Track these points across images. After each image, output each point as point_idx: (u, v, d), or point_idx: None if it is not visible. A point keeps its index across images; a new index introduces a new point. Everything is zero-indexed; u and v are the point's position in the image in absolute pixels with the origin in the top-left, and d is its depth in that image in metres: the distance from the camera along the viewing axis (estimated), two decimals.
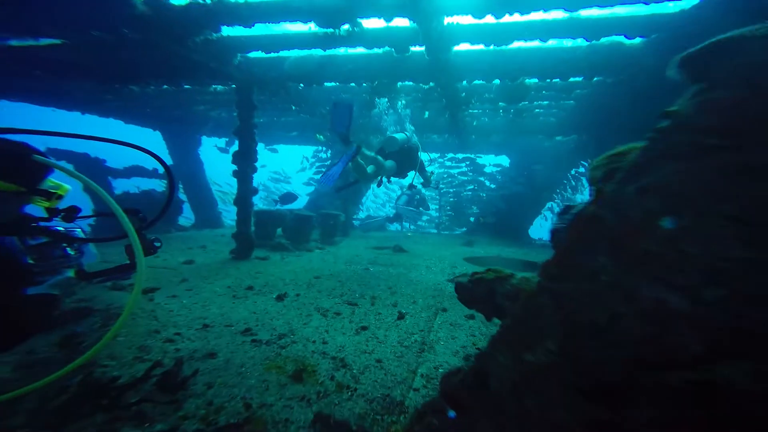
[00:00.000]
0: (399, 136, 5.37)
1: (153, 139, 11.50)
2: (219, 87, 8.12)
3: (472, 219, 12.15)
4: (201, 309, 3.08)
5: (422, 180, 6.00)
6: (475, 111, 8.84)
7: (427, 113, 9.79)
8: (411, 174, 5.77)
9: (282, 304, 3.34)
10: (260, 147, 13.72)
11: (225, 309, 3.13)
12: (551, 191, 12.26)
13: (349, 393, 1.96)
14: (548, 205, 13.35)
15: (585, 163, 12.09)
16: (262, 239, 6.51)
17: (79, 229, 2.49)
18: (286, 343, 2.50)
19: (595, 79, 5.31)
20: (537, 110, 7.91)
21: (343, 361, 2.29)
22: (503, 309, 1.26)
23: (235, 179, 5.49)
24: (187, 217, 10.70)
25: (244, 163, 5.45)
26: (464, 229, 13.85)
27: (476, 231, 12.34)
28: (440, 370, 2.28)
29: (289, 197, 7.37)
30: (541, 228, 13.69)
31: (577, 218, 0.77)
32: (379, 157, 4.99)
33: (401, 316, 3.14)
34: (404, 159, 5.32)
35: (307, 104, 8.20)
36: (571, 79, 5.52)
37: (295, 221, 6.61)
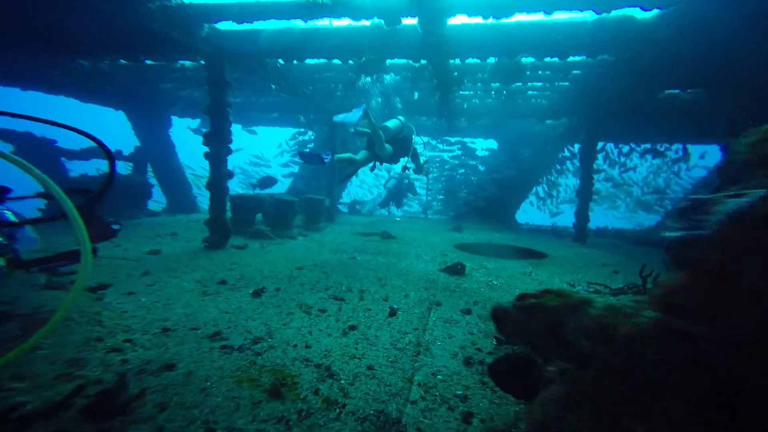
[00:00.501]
0: (392, 123, 5.23)
1: (116, 119, 10.52)
2: (187, 63, 7.35)
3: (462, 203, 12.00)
4: (162, 309, 2.68)
5: (414, 166, 5.91)
6: (467, 92, 8.46)
7: (416, 94, 9.33)
8: (403, 160, 5.70)
9: (259, 300, 2.98)
10: (237, 128, 12.92)
11: (192, 308, 2.75)
12: (538, 175, 12.22)
13: (337, 410, 1.66)
14: (534, 189, 13.38)
15: (572, 147, 12.06)
16: (239, 226, 6.04)
17: (9, 212, 2.03)
18: (263, 348, 2.17)
19: (598, 57, 5.03)
20: (530, 92, 7.62)
21: (329, 369, 1.98)
22: (581, 353, 0.91)
23: (208, 162, 4.95)
24: (159, 201, 9.97)
25: (217, 145, 4.91)
26: (452, 213, 13.74)
27: (464, 216, 12.22)
28: (439, 377, 2.02)
29: (268, 181, 6.87)
30: (525, 213, 13.72)
31: (741, 221, 0.46)
32: (387, 145, 5.02)
33: (393, 313, 2.85)
34: (398, 146, 5.25)
35: (288, 83, 7.57)
36: (571, 59, 5.23)
37: (275, 207, 6.15)
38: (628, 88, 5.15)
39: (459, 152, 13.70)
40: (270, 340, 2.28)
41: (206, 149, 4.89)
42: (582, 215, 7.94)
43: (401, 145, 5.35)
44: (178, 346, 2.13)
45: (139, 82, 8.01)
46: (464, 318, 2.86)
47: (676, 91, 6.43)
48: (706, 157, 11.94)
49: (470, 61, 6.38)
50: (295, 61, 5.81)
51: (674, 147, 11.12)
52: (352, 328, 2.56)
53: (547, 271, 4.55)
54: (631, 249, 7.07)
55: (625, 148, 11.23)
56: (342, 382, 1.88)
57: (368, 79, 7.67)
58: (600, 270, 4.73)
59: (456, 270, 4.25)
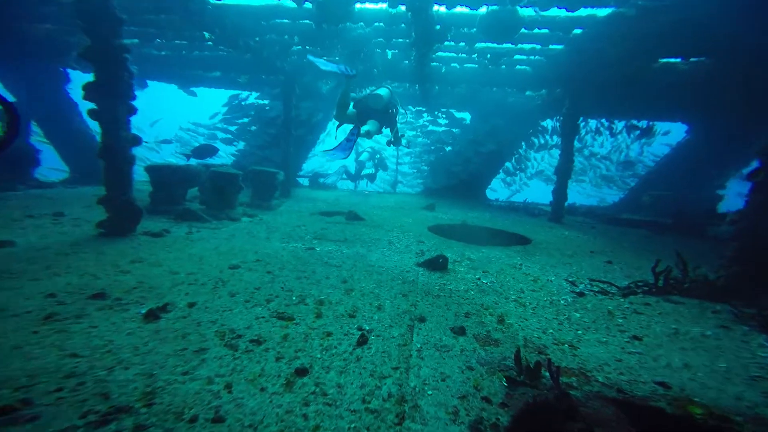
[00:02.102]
0: (383, 92, 4.79)
1: None
2: None
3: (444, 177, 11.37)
4: None
5: (392, 138, 5.57)
6: (446, 54, 7.43)
7: (390, 53, 8.12)
8: (385, 132, 5.29)
9: (154, 327, 2.01)
10: (173, 88, 10.74)
11: (15, 348, 1.72)
12: (513, 149, 11.86)
13: None
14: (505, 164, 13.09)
15: (545, 122, 11.72)
16: (164, 204, 4.79)
17: None
18: None
19: (620, 9, 4.26)
20: (517, 56, 6.80)
21: None
22: None
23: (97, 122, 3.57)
24: (62, 169, 8.03)
25: (110, 101, 3.54)
26: (419, 188, 13.16)
27: (434, 191, 11.66)
28: None
29: (205, 150, 5.52)
30: (490, 190, 13.46)
31: None
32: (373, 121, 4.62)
33: (363, 339, 2.07)
34: (384, 118, 4.87)
35: (225, 31, 5.97)
36: (579, 12, 4.45)
37: (213, 180, 4.93)
38: (628, 52, 4.54)
39: (444, 124, 12.77)
40: (146, 410, 1.38)
41: (93, 105, 3.50)
42: (560, 193, 7.63)
43: (387, 117, 4.95)
44: None
45: None
46: (457, 341, 2.16)
47: (676, 60, 6.00)
48: (669, 134, 12.24)
49: (456, 12, 5.36)
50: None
51: (641, 123, 11.17)
52: (302, 372, 1.74)
53: (538, 263, 4.03)
54: (606, 229, 6.93)
55: (619, 125, 11.06)
56: None
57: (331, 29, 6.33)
58: (591, 260, 4.32)
59: (437, 264, 3.54)
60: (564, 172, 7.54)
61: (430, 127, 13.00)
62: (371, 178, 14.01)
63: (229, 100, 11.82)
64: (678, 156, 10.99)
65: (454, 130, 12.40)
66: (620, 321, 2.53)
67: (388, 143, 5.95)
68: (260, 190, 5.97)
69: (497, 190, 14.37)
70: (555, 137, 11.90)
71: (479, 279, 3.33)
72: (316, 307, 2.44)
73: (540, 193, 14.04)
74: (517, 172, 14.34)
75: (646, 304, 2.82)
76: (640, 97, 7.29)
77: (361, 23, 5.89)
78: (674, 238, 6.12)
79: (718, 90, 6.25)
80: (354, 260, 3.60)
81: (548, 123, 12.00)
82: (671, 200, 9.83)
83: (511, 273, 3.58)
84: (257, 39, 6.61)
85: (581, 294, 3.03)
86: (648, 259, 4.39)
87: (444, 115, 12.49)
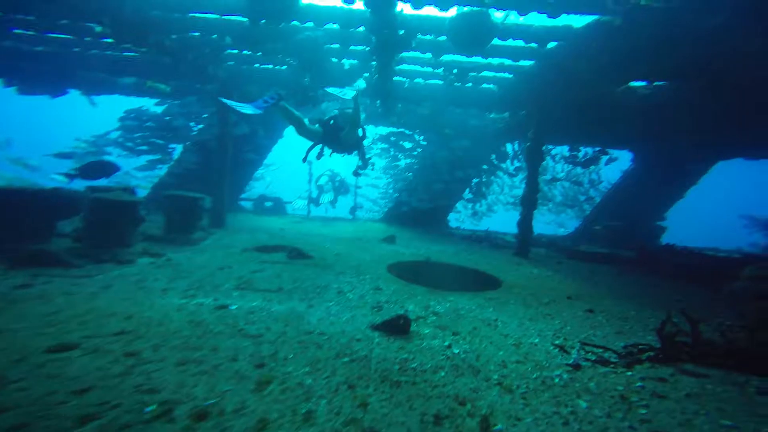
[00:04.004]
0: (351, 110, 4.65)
1: None
2: None
3: (405, 208, 10.87)
4: None
5: (360, 162, 5.39)
6: (411, 67, 7.12)
7: (348, 62, 7.64)
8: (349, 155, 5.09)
9: None
10: (75, 94, 9.13)
11: None
12: (474, 173, 11.87)
13: None
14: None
15: (510, 146, 11.95)
16: (10, 242, 3.51)
17: None
18: None
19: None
20: (485, 72, 6.66)
21: None
22: None
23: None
24: None
25: None
26: (379, 215, 12.65)
27: (395, 218, 11.17)
28: None
29: (97, 168, 4.30)
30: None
31: None
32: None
33: None
34: (352, 136, 4.73)
35: (124, 23, 4.99)
36: (557, 21, 4.27)
37: (97, 210, 3.77)
38: (600, 71, 4.47)
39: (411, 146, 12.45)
40: None
41: None
42: (525, 225, 7.44)
43: (355, 135, 4.76)
44: None
45: None
46: None
47: (640, 84, 6.19)
48: (615, 162, 13.04)
49: (422, 15, 5.01)
50: None
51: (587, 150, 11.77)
52: None
53: (515, 316, 3.48)
54: (573, 265, 6.78)
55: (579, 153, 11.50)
56: None
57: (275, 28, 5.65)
58: (571, 309, 3.88)
59: (397, 326, 2.81)
60: (529, 202, 7.40)
61: (392, 152, 12.68)
62: (333, 202, 13.38)
63: (126, 113, 10.07)
64: (625, 185, 11.75)
65: (414, 153, 12.20)
66: (642, 412, 1.96)
67: (355, 172, 5.72)
68: (177, 220, 4.88)
69: (460, 210, 14.25)
70: (516, 162, 12.16)
71: (450, 347, 2.64)
72: (190, 425, 1.54)
73: (502, 220, 14.21)
74: (476, 199, 14.41)
75: (661, 379, 2.31)
76: (599, 122, 7.53)
77: (310, 23, 5.29)
78: (644, 277, 6.07)
79: (671, 117, 6.59)
80: (285, 324, 2.73)
81: (509, 148, 12.27)
82: (621, 231, 10.32)
83: (486, 334, 2.95)
84: (173, 37, 5.69)
85: (577, 366, 2.47)
86: (631, 306, 4.08)
87: (408, 139, 12.25)
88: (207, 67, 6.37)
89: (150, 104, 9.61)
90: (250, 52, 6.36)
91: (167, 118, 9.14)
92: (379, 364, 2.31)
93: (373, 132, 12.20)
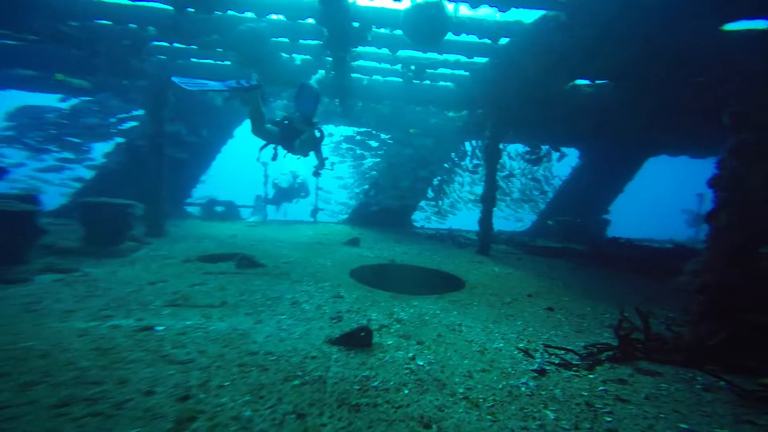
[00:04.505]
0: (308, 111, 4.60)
1: None
2: None
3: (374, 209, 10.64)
4: None
5: (317, 162, 5.32)
6: (369, 63, 6.90)
7: (299, 58, 7.23)
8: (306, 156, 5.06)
9: None
10: None
11: None
12: (437, 171, 11.96)
13: None
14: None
15: (469, 144, 12.19)
16: None
17: None
18: None
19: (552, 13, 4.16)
20: (442, 69, 6.61)
21: None
22: None
23: None
24: None
25: None
26: (343, 216, 12.30)
27: (359, 219, 10.91)
28: None
29: None
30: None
31: None
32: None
33: None
34: (311, 137, 4.71)
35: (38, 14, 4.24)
36: (508, 14, 4.25)
37: None
38: (550, 68, 4.56)
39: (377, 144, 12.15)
40: None
41: None
42: (486, 223, 7.56)
43: (313, 135, 4.68)
44: None
45: None
46: None
47: (585, 82, 6.47)
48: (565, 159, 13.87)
49: (377, 7, 4.80)
50: None
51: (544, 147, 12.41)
52: None
53: (479, 319, 3.40)
54: (531, 261, 6.99)
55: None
56: None
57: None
58: (532, 308, 3.90)
59: (358, 339, 2.58)
60: (489, 200, 7.52)
61: (359, 151, 12.35)
62: (285, 198, 12.65)
63: (16, 111, 8.61)
64: (574, 181, 12.53)
65: (380, 152, 12.02)
66: (608, 420, 1.90)
67: (315, 173, 5.68)
68: (98, 231, 4.20)
69: (427, 210, 14.28)
70: (474, 160, 12.43)
71: (414, 359, 2.45)
72: None
73: (464, 217, 14.48)
74: (442, 197, 14.59)
75: (622, 381, 2.30)
76: (552, 120, 7.85)
77: (250, 13, 4.84)
78: (596, 270, 6.38)
79: (611, 115, 7.03)
80: (224, 345, 2.37)
81: (467, 146, 12.52)
82: (572, 225, 10.99)
83: (451, 341, 2.81)
84: (74, 23, 4.93)
85: (542, 372, 2.40)
86: (587, 303, 4.19)
87: (375, 138, 12.00)
88: (129, 60, 5.62)
89: (52, 100, 8.26)
90: (182, 45, 5.71)
91: (72, 115, 7.96)
92: (336, 385, 2.05)
93: (333, 131, 11.81)
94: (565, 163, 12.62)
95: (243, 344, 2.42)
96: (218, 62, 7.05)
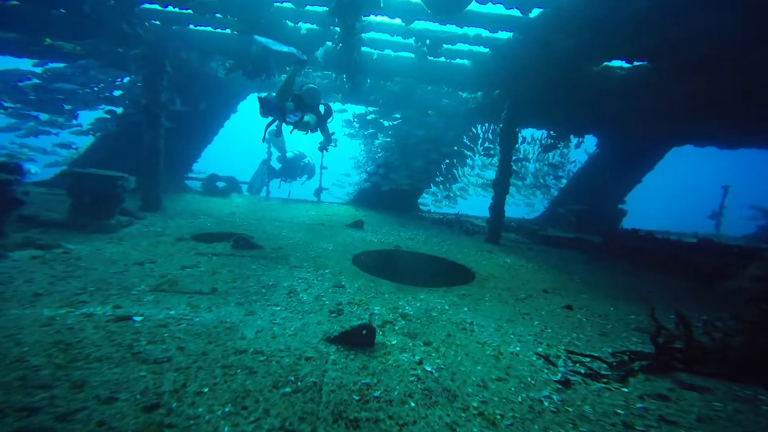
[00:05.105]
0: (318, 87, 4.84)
1: None
2: None
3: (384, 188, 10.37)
4: None
5: (324, 139, 5.52)
6: (379, 36, 6.36)
7: (304, 26, 6.70)
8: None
9: None
10: None
11: None
12: (449, 154, 11.49)
13: None
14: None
15: (481, 128, 11.63)
16: None
17: None
18: None
19: None
20: (460, 44, 6.07)
21: None
22: None
23: None
24: None
25: None
26: (348, 197, 11.97)
27: (363, 201, 10.58)
28: None
29: None
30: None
31: None
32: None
33: None
34: (319, 114, 4.90)
35: None
36: None
37: None
38: (583, 46, 4.08)
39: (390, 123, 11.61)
40: None
41: None
42: (497, 210, 7.19)
43: (321, 112, 4.95)
44: None
45: None
46: None
47: (619, 63, 5.90)
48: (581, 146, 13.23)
49: None
50: None
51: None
52: None
53: (491, 318, 3.11)
54: (543, 252, 6.66)
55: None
56: None
57: None
58: (549, 305, 3.61)
59: (358, 338, 2.31)
60: (502, 186, 7.12)
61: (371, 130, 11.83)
62: (290, 171, 12.42)
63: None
64: (589, 169, 11.97)
65: (390, 132, 11.51)
66: None
67: (320, 148, 5.69)
68: (86, 203, 3.93)
69: (436, 193, 13.89)
70: (486, 144, 11.89)
71: (421, 363, 2.19)
72: None
73: (473, 202, 14.06)
74: (451, 181, 14.11)
75: (662, 396, 2.02)
76: (574, 105, 7.32)
77: None
78: (612, 263, 6.04)
79: (646, 101, 6.48)
80: (208, 341, 2.12)
81: (479, 129, 11.96)
82: (585, 213, 10.54)
83: (462, 342, 2.53)
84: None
85: (566, 383, 2.12)
86: (608, 301, 3.87)
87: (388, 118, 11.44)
88: (121, 24, 5.16)
89: (27, 65, 7.76)
90: (176, 9, 5.22)
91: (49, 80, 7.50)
92: (332, 394, 1.79)
93: (342, 109, 11.27)
94: (579, 148, 12.02)
95: (230, 341, 2.16)
96: (217, 29, 6.58)
